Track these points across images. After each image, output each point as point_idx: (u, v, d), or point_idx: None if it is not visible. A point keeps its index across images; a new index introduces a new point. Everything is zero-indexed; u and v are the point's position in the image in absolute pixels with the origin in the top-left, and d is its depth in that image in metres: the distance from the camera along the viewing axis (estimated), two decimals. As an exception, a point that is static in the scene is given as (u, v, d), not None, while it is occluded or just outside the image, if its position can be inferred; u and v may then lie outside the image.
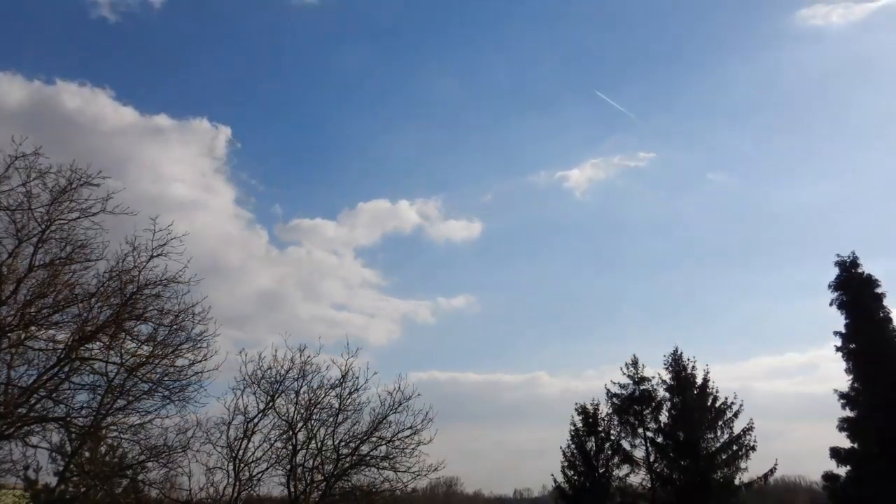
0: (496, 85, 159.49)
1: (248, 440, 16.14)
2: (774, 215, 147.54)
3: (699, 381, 32.34)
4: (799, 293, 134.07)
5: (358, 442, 16.71)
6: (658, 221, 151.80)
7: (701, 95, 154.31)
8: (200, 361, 14.17)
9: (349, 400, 16.88)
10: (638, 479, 32.36)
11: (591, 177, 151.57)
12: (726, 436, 31.35)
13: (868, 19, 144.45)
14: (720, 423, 31.49)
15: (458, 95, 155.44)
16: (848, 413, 27.91)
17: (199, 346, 14.21)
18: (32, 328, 13.10)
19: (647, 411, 32.84)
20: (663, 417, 32.58)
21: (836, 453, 27.66)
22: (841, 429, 27.89)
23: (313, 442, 16.75)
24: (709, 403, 31.86)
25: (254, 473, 16.16)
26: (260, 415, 16.35)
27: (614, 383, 33.68)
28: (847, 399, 28.00)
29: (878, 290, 28.59)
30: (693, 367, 32.58)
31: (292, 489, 16.31)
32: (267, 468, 16.33)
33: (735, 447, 31.12)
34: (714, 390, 32.10)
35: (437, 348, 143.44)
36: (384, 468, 16.72)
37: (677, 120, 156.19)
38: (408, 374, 17.21)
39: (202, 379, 14.35)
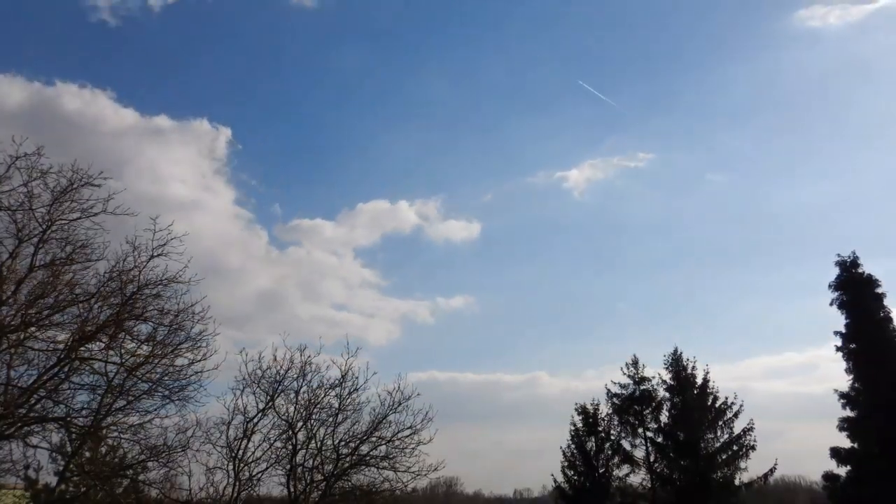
0: (495, 85, 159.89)
1: (248, 440, 16.16)
2: (774, 215, 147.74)
3: (699, 381, 32.35)
4: (798, 293, 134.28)
5: (358, 442, 16.72)
6: (657, 221, 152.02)
7: (700, 96, 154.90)
8: (200, 361, 14.22)
9: (349, 400, 16.91)
10: (638, 479, 32.43)
11: (589, 177, 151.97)
12: (726, 436, 31.35)
13: (865, 21, 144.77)
14: (720, 423, 31.49)
15: (457, 96, 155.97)
16: (848, 413, 27.91)
17: (198, 345, 14.26)
18: (32, 328, 13.11)
19: (648, 411, 32.84)
20: (663, 417, 32.61)
21: (837, 453, 27.65)
22: (841, 429, 27.89)
23: (313, 442, 16.76)
24: (709, 403, 31.86)
25: (254, 473, 16.18)
26: (259, 414, 16.37)
27: (614, 383, 33.75)
28: (847, 399, 27.99)
29: (879, 290, 28.61)
30: (693, 367, 32.64)
31: (292, 489, 16.32)
32: (267, 468, 16.35)
33: (735, 447, 31.12)
34: (714, 390, 32.16)
35: (436, 348, 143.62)
36: (384, 468, 16.74)
37: (676, 121, 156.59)
38: (407, 374, 17.19)
39: (202, 378, 14.40)
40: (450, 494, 79.99)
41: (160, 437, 14.19)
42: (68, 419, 13.49)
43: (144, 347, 13.81)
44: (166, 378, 14.04)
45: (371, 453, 16.74)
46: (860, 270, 29.10)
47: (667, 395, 32.70)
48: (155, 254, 13.91)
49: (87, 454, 14.61)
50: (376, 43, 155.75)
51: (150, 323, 13.98)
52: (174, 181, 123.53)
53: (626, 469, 32.43)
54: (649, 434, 32.49)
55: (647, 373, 33.56)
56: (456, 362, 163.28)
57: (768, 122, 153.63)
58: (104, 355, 13.58)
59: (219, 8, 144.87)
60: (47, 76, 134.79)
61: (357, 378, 16.92)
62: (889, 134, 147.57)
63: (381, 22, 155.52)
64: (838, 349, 28.67)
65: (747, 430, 31.22)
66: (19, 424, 12.89)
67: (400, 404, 16.68)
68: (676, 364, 32.81)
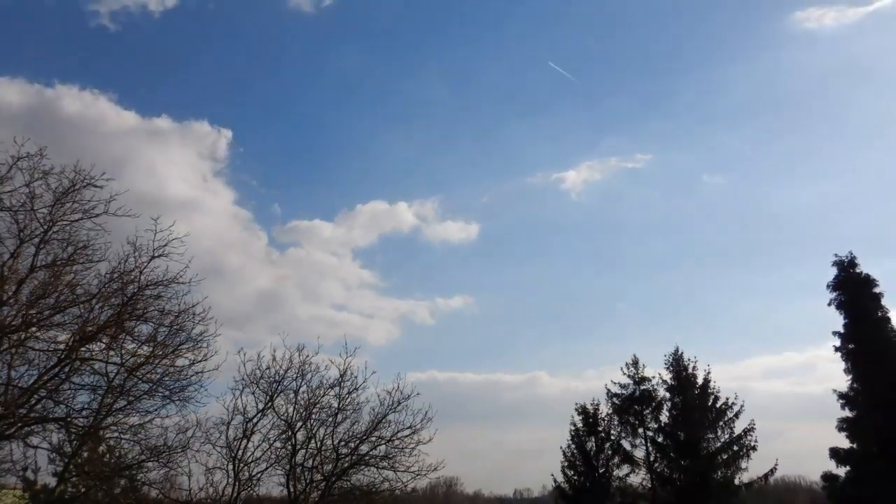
0: (493, 86, 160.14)
1: (248, 440, 16.18)
2: (773, 215, 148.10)
3: (700, 381, 32.37)
4: (797, 293, 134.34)
5: (357, 441, 16.73)
6: (657, 222, 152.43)
7: (697, 97, 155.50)
8: (200, 361, 14.23)
9: (348, 399, 16.91)
10: (638, 479, 32.46)
11: (587, 178, 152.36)
12: (727, 436, 31.37)
13: (861, 22, 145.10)
14: (721, 423, 31.52)
15: (456, 97, 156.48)
16: (847, 413, 27.94)
17: (199, 346, 14.27)
18: (33, 329, 13.14)
19: (648, 411, 32.86)
20: (664, 417, 32.65)
21: (836, 453, 27.69)
22: (840, 429, 27.93)
23: (312, 442, 16.77)
24: (710, 403, 31.88)
25: (253, 473, 16.19)
26: (259, 415, 16.38)
27: (614, 383, 33.79)
28: (846, 399, 28.03)
29: (877, 290, 28.68)
30: (694, 367, 32.68)
31: (292, 489, 16.33)
32: (266, 468, 16.36)
33: (736, 447, 31.14)
34: (715, 390, 32.19)
35: (436, 349, 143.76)
36: (384, 468, 16.74)
37: (674, 122, 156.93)
38: (407, 374, 17.11)
39: (202, 379, 14.42)
40: (450, 494, 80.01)
41: (160, 437, 14.24)
42: (68, 419, 13.51)
43: (145, 348, 13.84)
44: (167, 378, 14.07)
45: (371, 453, 16.76)
46: (858, 270, 29.16)
47: (667, 395, 32.76)
48: (156, 254, 13.95)
49: (87, 454, 14.62)
50: (375, 44, 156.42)
51: (151, 323, 14.01)
52: (174, 182, 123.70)
53: (626, 469, 32.52)
54: (649, 434, 32.54)
55: (648, 373, 33.67)
56: (456, 362, 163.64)
57: (766, 122, 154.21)
58: (105, 356, 13.61)
59: (218, 12, 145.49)
60: (47, 78, 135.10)
61: (356, 378, 16.95)
62: (887, 134, 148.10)
63: (380, 23, 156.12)
64: (837, 349, 28.72)
65: (748, 431, 31.28)
66: (19, 424, 12.91)
67: (399, 404, 16.71)
68: (677, 364, 32.84)
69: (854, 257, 29.44)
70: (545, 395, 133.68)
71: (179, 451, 14.43)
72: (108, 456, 14.81)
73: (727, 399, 31.92)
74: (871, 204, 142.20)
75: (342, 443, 16.76)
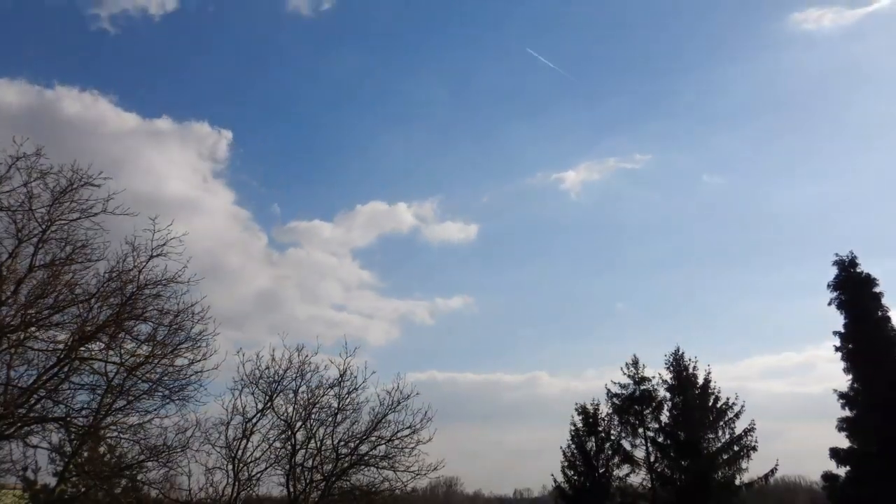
0: (492, 87, 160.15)
1: (247, 440, 16.15)
2: (773, 215, 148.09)
3: (700, 381, 32.35)
4: (797, 293, 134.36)
5: (357, 441, 16.70)
6: (656, 222, 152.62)
7: (696, 98, 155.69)
8: (200, 361, 14.25)
9: (348, 399, 16.87)
10: (638, 479, 32.42)
11: (585, 178, 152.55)
12: (727, 436, 31.34)
13: (859, 24, 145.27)
14: (721, 423, 31.49)
15: (455, 98, 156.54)
16: (847, 413, 27.92)
17: (198, 345, 14.30)
18: (32, 328, 13.13)
19: (648, 411, 32.83)
20: (664, 417, 32.61)
21: (836, 453, 27.66)
22: (840, 429, 27.90)
23: (312, 442, 16.74)
24: (710, 403, 31.85)
25: (253, 473, 16.16)
26: (258, 415, 16.35)
27: (614, 383, 33.75)
28: (846, 399, 28.00)
29: (877, 290, 28.64)
30: (694, 367, 32.65)
31: (291, 489, 16.31)
32: (266, 468, 16.33)
33: (736, 447, 31.11)
34: (716, 390, 32.15)
35: (436, 349, 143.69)
36: (383, 468, 16.70)
37: (672, 122, 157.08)
38: (406, 374, 17.16)
39: (201, 378, 14.43)
40: (450, 494, 80.00)
41: (160, 437, 14.23)
42: (68, 419, 13.51)
43: (144, 347, 13.85)
44: (166, 378, 14.08)
45: (370, 453, 16.73)
46: (858, 270, 29.14)
47: (667, 395, 32.73)
48: (154, 254, 13.97)
49: (87, 454, 14.61)
50: (374, 45, 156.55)
51: (150, 323, 14.02)
52: (174, 183, 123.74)
53: (626, 469, 32.47)
54: (650, 434, 32.50)
55: (648, 373, 33.62)
56: (455, 362, 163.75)
57: (765, 123, 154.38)
58: (104, 355, 13.61)
59: (217, 15, 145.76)
60: (47, 80, 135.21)
61: (356, 378, 16.92)
62: (887, 134, 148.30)
63: (379, 25, 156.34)
64: (837, 349, 28.69)
65: (748, 431, 31.24)
66: (19, 424, 12.90)
67: (399, 404, 16.67)
68: (677, 364, 32.81)
69: (855, 257, 29.45)
70: (545, 395, 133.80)
71: (179, 450, 14.44)
72: (107, 456, 14.80)
73: (727, 399, 31.94)
74: (871, 204, 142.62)
75: (342, 443, 16.74)
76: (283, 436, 16.58)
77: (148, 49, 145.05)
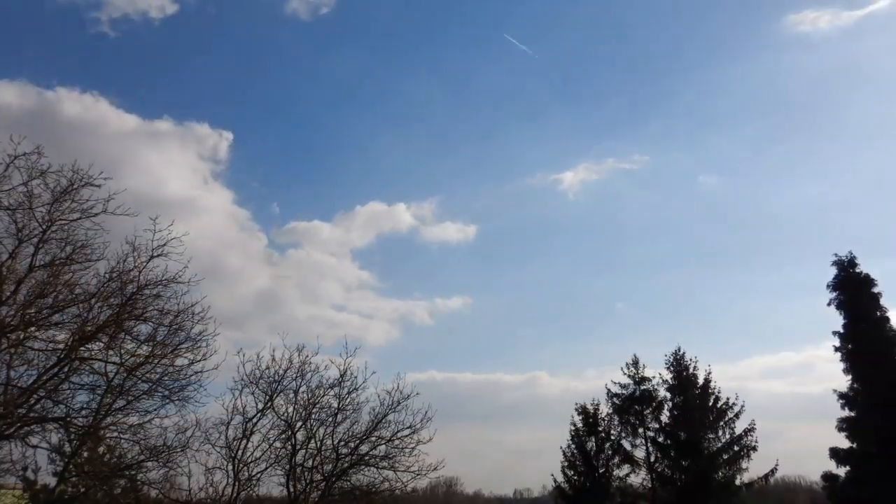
0: (491, 88, 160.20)
1: (247, 440, 16.14)
2: (772, 216, 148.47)
3: (701, 381, 32.33)
4: (796, 293, 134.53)
5: (357, 441, 16.69)
6: (656, 222, 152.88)
7: (694, 99, 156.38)
8: (200, 361, 14.24)
9: (348, 399, 16.87)
10: (638, 479, 32.39)
11: (584, 179, 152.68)
12: (727, 436, 31.33)
13: (856, 25, 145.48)
14: (721, 423, 31.48)
15: (454, 99, 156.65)
16: (847, 413, 27.91)
17: (198, 345, 14.29)
18: (32, 328, 13.13)
19: (648, 411, 32.81)
20: (664, 417, 32.58)
21: (836, 453, 27.64)
22: (840, 429, 27.88)
23: (312, 442, 16.73)
24: (710, 403, 31.84)
25: (253, 473, 16.15)
26: (259, 415, 16.34)
27: (615, 383, 33.71)
28: (846, 399, 27.99)
29: (876, 290, 28.63)
30: (695, 367, 32.64)
31: (291, 489, 16.30)
32: (266, 468, 16.32)
33: (736, 448, 31.10)
34: (716, 390, 32.14)
35: (435, 349, 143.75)
36: (383, 468, 16.70)
37: (670, 123, 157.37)
38: (406, 374, 17.09)
39: (201, 378, 14.42)
40: (450, 494, 79.98)
41: (160, 437, 14.22)
42: (68, 419, 13.49)
43: (144, 347, 13.84)
44: (166, 378, 14.07)
45: (371, 453, 16.73)
46: (857, 270, 29.13)
47: (667, 395, 32.71)
48: (155, 254, 13.97)
49: (87, 454, 14.60)
50: (374, 46, 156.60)
51: (150, 323, 14.01)
52: (174, 183, 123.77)
53: (626, 469, 32.44)
54: (650, 434, 32.48)
55: (648, 373, 33.60)
56: (455, 362, 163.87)
57: (764, 124, 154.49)
58: (104, 355, 13.60)
59: (218, 17, 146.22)
60: (48, 81, 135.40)
61: (356, 378, 16.91)
62: (886, 135, 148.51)
63: (378, 26, 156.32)
64: (836, 349, 28.67)
65: (748, 431, 31.22)
66: (19, 424, 12.89)
67: (399, 404, 16.67)
68: (678, 364, 32.80)
69: (854, 257, 29.43)
70: (545, 395, 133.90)
71: (179, 450, 14.42)
72: (107, 456, 14.79)
73: (728, 399, 31.92)
74: (870, 204, 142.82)
75: (342, 443, 16.73)
76: (284, 436, 16.58)
77: (148, 51, 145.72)
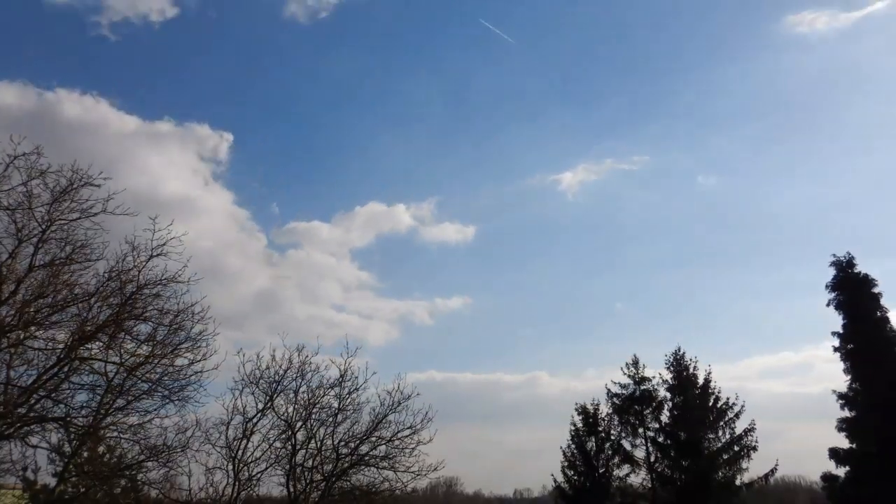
0: (491, 89, 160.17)
1: (248, 440, 16.15)
2: (773, 215, 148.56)
3: (701, 381, 32.34)
4: (796, 293, 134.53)
5: (357, 442, 16.70)
6: (656, 222, 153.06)
7: (692, 100, 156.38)
8: (200, 361, 14.22)
9: (348, 400, 16.88)
10: (638, 479, 32.40)
11: (583, 180, 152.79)
12: (727, 436, 31.34)
13: (854, 26, 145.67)
14: (721, 423, 31.48)
15: (453, 100, 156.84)
16: (847, 413, 27.90)
17: (198, 345, 14.27)
18: (32, 328, 13.12)
19: (648, 411, 32.81)
20: (664, 417, 32.59)
21: (835, 454, 27.62)
22: (840, 429, 27.85)
23: (312, 442, 16.74)
24: (710, 403, 31.84)
25: (253, 473, 16.15)
26: (259, 415, 16.35)
27: (615, 383, 33.72)
28: (846, 399, 27.97)
29: (875, 290, 28.61)
30: (695, 367, 32.65)
31: (292, 489, 16.30)
32: (266, 468, 16.32)
33: (736, 448, 31.11)
34: (716, 390, 32.15)
35: (435, 349, 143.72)
36: (384, 468, 16.71)
37: (669, 124, 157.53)
38: (406, 374, 17.06)
39: (201, 378, 14.40)
40: (450, 494, 79.97)
41: (160, 437, 14.21)
42: (68, 419, 13.48)
43: (144, 347, 13.82)
44: (166, 378, 14.05)
45: (371, 453, 16.73)
46: (856, 271, 29.12)
47: (667, 394, 32.72)
48: (154, 254, 13.94)
49: (87, 454, 14.58)
50: (373, 47, 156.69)
51: (150, 323, 13.99)
52: (174, 184, 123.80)
53: (626, 469, 32.45)
54: (650, 434, 32.48)
55: (648, 373, 33.61)
56: (455, 362, 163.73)
57: (764, 124, 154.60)
58: (104, 355, 13.59)
59: (219, 20, 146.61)
60: (48, 83, 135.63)
61: (356, 378, 16.94)
62: (885, 136, 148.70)
63: (378, 26, 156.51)
64: (836, 349, 28.65)
65: (748, 431, 31.23)
66: (19, 424, 12.88)
67: (399, 404, 16.68)
68: (678, 364, 32.80)
69: (853, 257, 29.41)
70: (545, 395, 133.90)
71: (179, 450, 14.42)
72: (107, 456, 14.78)
73: (728, 399, 31.93)
74: (870, 204, 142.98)
75: (342, 443, 16.74)
76: (284, 436, 16.58)
77: (148, 53, 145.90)
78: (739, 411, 31.49)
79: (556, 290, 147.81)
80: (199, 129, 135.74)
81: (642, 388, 33.25)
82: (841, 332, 28.71)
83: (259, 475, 16.21)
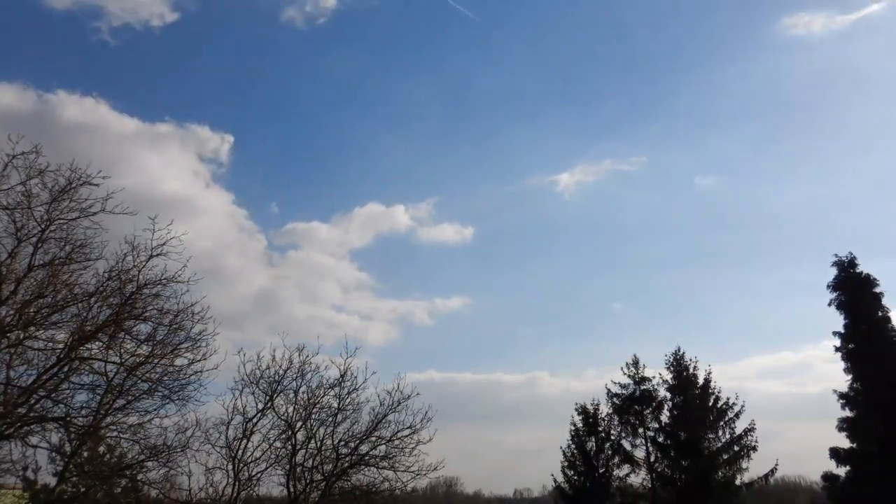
0: (490, 90, 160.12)
1: (248, 440, 16.15)
2: (773, 215, 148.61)
3: (701, 380, 32.32)
4: (795, 293, 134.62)
5: (357, 441, 16.70)
6: (656, 223, 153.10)
7: (690, 101, 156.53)
8: (200, 361, 14.20)
9: (348, 399, 16.89)
10: (638, 479, 32.37)
11: (580, 180, 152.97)
12: (727, 436, 31.32)
13: (851, 27, 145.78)
14: (721, 423, 31.47)
15: (453, 100, 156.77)
16: (847, 413, 27.90)
17: (198, 345, 14.25)
18: (32, 328, 13.10)
19: (648, 411, 32.79)
20: (664, 417, 32.57)
21: (836, 453, 27.62)
22: (840, 429, 27.86)
23: (312, 442, 16.74)
24: (710, 403, 31.83)
25: (253, 473, 16.16)
26: (259, 415, 16.35)
27: (615, 383, 33.69)
28: (846, 399, 27.97)
29: (877, 290, 28.60)
30: (695, 367, 32.63)
31: (292, 489, 16.30)
32: (266, 468, 16.33)
33: (736, 447, 31.09)
34: (716, 390, 32.12)
35: (435, 349, 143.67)
36: (384, 468, 16.71)
37: (669, 125, 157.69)
38: (406, 374, 17.07)
39: (201, 378, 14.39)
40: (450, 494, 79.98)
41: (160, 437, 14.20)
42: (68, 419, 13.46)
43: (144, 347, 13.80)
44: (166, 378, 14.04)
45: (371, 453, 16.73)
46: (858, 270, 29.10)
47: (668, 394, 32.70)
48: (154, 253, 13.91)
49: (87, 454, 14.57)
50: (373, 47, 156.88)
51: (150, 323, 13.97)
52: (174, 184, 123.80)
53: (626, 469, 32.42)
54: (650, 434, 32.47)
55: (648, 373, 33.59)
56: (455, 363, 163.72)
57: (763, 124, 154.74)
58: (104, 355, 13.57)
59: (220, 23, 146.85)
60: (48, 84, 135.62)
61: (356, 378, 16.94)
62: (885, 136, 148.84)
63: (378, 27, 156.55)
64: (837, 349, 28.67)
65: (748, 431, 31.21)
66: (19, 424, 12.86)
67: (399, 404, 16.69)
68: (678, 364, 32.79)
69: (854, 257, 29.39)
70: (545, 395, 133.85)
71: (179, 450, 14.42)
72: (107, 456, 14.77)
73: (728, 399, 31.90)
74: (870, 204, 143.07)
75: (342, 443, 16.74)
76: (284, 436, 16.59)
77: (148, 55, 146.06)
78: (739, 411, 31.52)
79: (556, 290, 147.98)
80: (199, 131, 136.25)
81: (642, 388, 33.24)
82: (842, 331, 28.71)
83: (259, 475, 16.24)
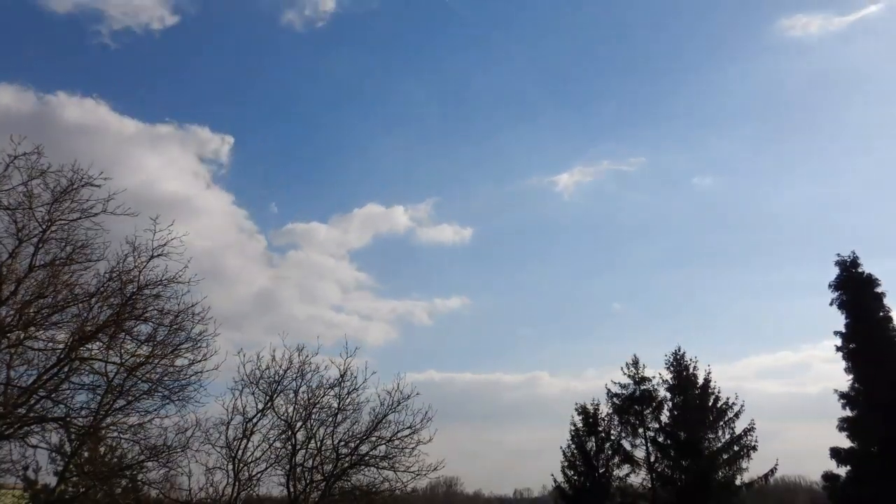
0: (489, 90, 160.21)
1: (248, 440, 16.15)
2: (773, 216, 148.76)
3: (700, 380, 32.34)
4: (795, 293, 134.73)
5: (357, 441, 16.69)
6: (656, 223, 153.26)
7: (694, 100, 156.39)
8: (200, 361, 14.20)
9: (348, 399, 16.88)
10: (638, 479, 32.43)
11: (579, 180, 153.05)
12: (727, 436, 31.34)
13: (849, 29, 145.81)
14: (721, 423, 31.48)
15: (452, 100, 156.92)
16: (848, 413, 27.90)
17: (198, 345, 14.25)
18: (32, 328, 13.10)
19: (648, 411, 32.82)
20: (664, 417, 32.61)
21: (836, 453, 27.63)
22: (841, 429, 27.88)
23: (312, 442, 16.73)
24: (710, 403, 31.84)
25: (253, 473, 16.15)
26: (259, 415, 16.34)
27: (615, 383, 33.75)
28: (847, 399, 27.98)
29: (878, 290, 28.61)
30: (695, 367, 32.65)
31: (292, 489, 16.31)
32: (266, 468, 16.32)
33: (736, 447, 31.11)
34: (716, 390, 32.15)
35: (434, 349, 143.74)
36: (384, 468, 16.70)
37: (668, 125, 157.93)
38: (405, 374, 17.07)
39: (202, 379, 14.38)
40: (450, 494, 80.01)
41: (160, 437, 14.19)
42: (68, 419, 13.46)
43: (144, 347, 13.80)
44: (166, 378, 14.03)
45: (371, 453, 16.73)
46: (860, 270, 29.10)
47: (667, 394, 32.73)
48: (155, 254, 13.92)
49: (87, 454, 14.58)
50: (373, 48, 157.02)
51: (150, 323, 13.96)
52: (174, 185, 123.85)
53: (626, 469, 32.49)
54: (650, 434, 32.49)
55: (648, 373, 33.63)
56: (455, 363, 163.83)
57: (763, 124, 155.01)
58: (104, 355, 13.57)
59: (220, 25, 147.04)
60: (48, 86, 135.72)
61: (356, 378, 16.93)
62: (885, 136, 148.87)
63: (377, 28, 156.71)
64: (838, 349, 28.68)
65: (748, 431, 31.24)
66: (19, 424, 12.86)
67: (399, 404, 16.67)
68: (678, 364, 32.80)
69: (856, 257, 29.42)
70: (545, 395, 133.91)
71: (179, 451, 14.40)
72: (107, 456, 14.78)
73: (727, 399, 31.94)
74: (870, 204, 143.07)
75: (342, 443, 16.73)
76: (284, 436, 16.58)
77: (148, 57, 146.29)
78: (739, 411, 31.55)
79: (556, 290, 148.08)
80: (199, 132, 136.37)
81: (642, 388, 33.26)
82: (843, 331, 28.73)
83: (259, 475, 16.24)
